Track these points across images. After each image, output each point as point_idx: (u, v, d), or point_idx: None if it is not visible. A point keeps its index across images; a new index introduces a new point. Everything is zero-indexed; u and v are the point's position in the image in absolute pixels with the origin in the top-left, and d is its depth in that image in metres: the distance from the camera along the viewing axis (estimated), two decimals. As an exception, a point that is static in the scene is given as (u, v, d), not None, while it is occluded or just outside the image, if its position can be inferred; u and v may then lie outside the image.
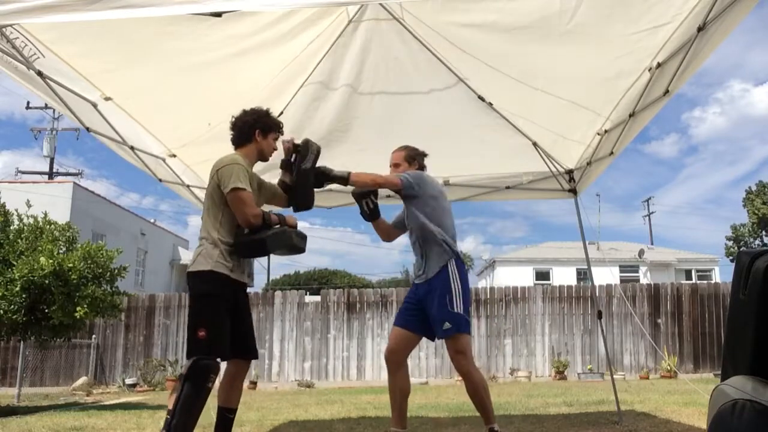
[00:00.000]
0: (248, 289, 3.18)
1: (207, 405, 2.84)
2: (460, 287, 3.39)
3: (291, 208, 3.30)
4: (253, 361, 3.27)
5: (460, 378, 12.86)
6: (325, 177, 3.32)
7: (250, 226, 2.92)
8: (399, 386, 3.50)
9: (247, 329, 3.06)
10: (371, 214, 3.60)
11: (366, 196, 3.54)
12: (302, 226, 3.31)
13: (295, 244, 3.06)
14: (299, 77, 4.22)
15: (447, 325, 3.32)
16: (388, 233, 3.78)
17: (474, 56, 3.90)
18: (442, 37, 3.84)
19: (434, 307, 3.36)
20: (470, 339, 3.46)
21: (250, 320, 3.12)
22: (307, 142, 3.23)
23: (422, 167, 3.66)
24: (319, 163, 3.28)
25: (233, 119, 3.13)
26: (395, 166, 3.63)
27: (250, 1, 2.33)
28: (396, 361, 3.51)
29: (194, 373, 2.73)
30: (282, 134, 3.24)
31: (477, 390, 3.37)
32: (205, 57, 3.56)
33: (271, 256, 3.41)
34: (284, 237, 3.01)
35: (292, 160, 3.26)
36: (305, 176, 3.19)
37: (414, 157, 3.64)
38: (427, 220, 3.43)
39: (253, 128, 3.09)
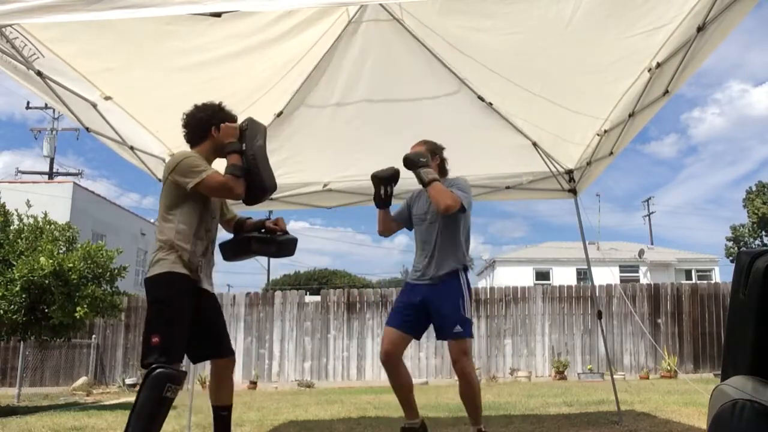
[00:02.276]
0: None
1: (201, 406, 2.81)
2: (468, 295, 3.44)
3: (251, 195, 2.96)
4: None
5: (460, 378, 12.60)
6: (413, 164, 3.33)
7: (240, 197, 2.87)
8: (401, 383, 3.53)
9: (219, 330, 2.98)
10: (386, 200, 3.57)
11: (389, 181, 3.50)
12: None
13: (292, 252, 3.12)
14: (299, 77, 4.23)
15: (458, 328, 3.34)
16: (388, 226, 3.73)
17: (473, 58, 3.90)
18: (442, 39, 3.84)
19: (447, 309, 3.38)
20: (472, 343, 3.50)
21: (221, 320, 3.02)
22: (252, 120, 3.00)
23: (443, 160, 3.62)
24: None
25: (185, 116, 3.00)
26: None
27: (250, 1, 2.32)
28: (394, 362, 3.52)
29: (150, 383, 2.60)
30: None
31: (474, 392, 3.42)
32: (205, 56, 3.55)
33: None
34: (291, 246, 3.07)
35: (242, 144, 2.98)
36: (263, 153, 2.93)
37: (435, 152, 3.58)
38: (459, 231, 3.47)
39: (209, 124, 2.94)
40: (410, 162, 3.37)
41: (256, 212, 4.30)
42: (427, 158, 3.40)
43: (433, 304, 3.41)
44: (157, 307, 2.75)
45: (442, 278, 3.41)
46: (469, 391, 3.41)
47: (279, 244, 3.07)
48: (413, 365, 12.37)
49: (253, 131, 2.93)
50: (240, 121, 3.03)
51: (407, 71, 4.24)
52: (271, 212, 6.26)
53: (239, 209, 3.56)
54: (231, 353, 3.02)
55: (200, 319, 2.86)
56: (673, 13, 2.94)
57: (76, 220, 13.91)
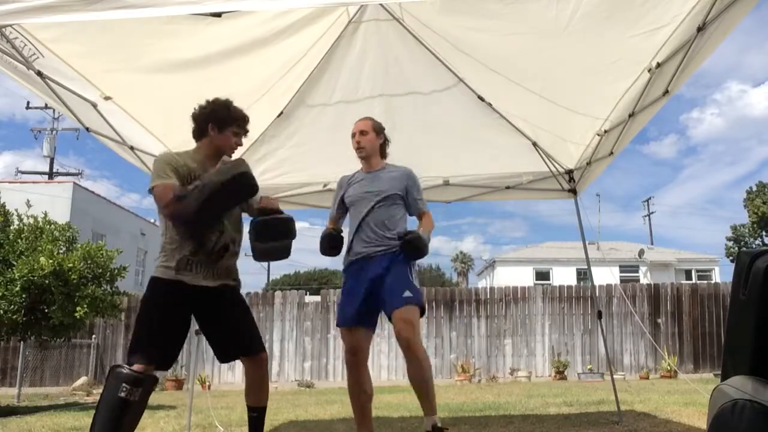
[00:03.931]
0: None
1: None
2: (414, 268, 3.28)
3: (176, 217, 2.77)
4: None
5: (460, 378, 12.62)
6: (423, 250, 3.25)
7: (172, 220, 2.72)
8: (363, 388, 3.28)
9: (243, 326, 2.91)
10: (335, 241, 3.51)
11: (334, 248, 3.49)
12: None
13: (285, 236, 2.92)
14: (300, 77, 4.23)
15: (408, 293, 3.11)
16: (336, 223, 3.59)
17: (473, 57, 3.90)
18: (442, 38, 3.84)
19: (394, 277, 3.16)
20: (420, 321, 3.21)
21: (240, 318, 2.93)
22: (234, 161, 2.81)
23: (386, 140, 3.52)
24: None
25: (193, 111, 2.95)
26: (362, 133, 3.41)
27: (250, 1, 2.32)
28: (360, 361, 3.28)
29: (107, 381, 2.59)
30: (245, 129, 2.98)
31: (424, 373, 3.08)
32: (205, 55, 3.55)
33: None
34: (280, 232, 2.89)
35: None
36: (207, 189, 2.67)
37: (381, 130, 3.49)
38: (404, 220, 3.40)
39: (206, 122, 2.88)
40: (422, 252, 3.26)
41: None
42: (423, 236, 3.26)
43: (380, 274, 3.19)
44: (140, 308, 2.75)
45: (388, 250, 3.24)
46: (419, 371, 3.08)
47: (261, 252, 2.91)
48: (413, 365, 12.38)
49: (224, 168, 2.72)
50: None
51: (407, 71, 4.24)
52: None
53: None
54: (260, 350, 2.91)
55: (218, 318, 2.83)
56: (673, 13, 2.94)
57: (76, 220, 13.91)
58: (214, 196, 2.66)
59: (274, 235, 2.89)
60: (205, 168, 2.82)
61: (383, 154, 3.51)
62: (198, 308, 2.82)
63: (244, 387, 2.97)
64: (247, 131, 3.00)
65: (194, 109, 2.93)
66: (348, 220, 3.52)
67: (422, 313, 3.19)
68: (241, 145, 3.01)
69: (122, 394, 2.51)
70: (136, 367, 2.58)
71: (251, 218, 2.93)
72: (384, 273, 3.20)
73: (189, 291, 2.74)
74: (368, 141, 3.42)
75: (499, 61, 3.84)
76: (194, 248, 2.76)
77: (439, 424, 3.11)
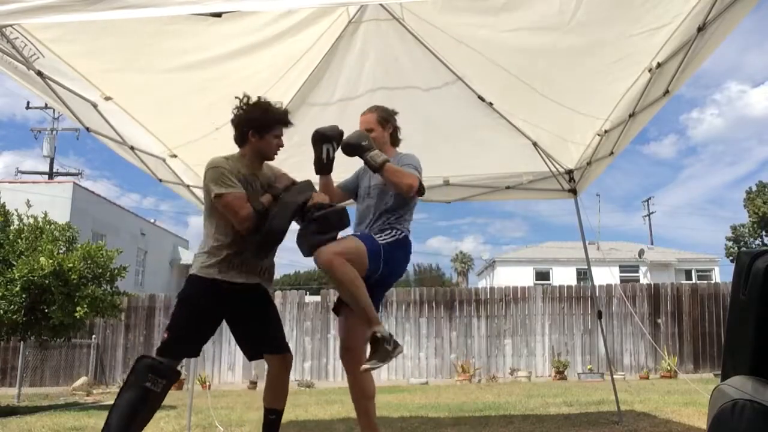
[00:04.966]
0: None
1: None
2: (393, 251, 2.95)
3: (257, 239, 2.83)
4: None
5: (460, 378, 12.60)
6: (356, 150, 2.92)
7: (244, 231, 2.76)
8: (361, 386, 3.02)
9: (269, 326, 2.96)
10: (327, 165, 3.08)
11: (331, 141, 3.03)
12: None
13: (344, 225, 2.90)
14: (300, 77, 4.23)
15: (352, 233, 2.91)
16: (332, 195, 3.18)
17: (474, 56, 3.90)
18: (442, 37, 3.84)
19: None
20: (360, 247, 2.85)
21: (269, 317, 2.97)
22: (308, 183, 2.94)
23: (396, 128, 3.26)
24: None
25: (233, 114, 2.95)
26: (367, 131, 3.13)
27: (250, 1, 2.32)
28: (355, 358, 2.97)
29: (133, 371, 2.67)
30: (286, 126, 2.96)
31: (342, 281, 2.70)
32: (205, 56, 3.55)
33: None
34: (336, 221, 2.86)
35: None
36: (289, 208, 2.80)
37: (387, 119, 3.21)
38: (399, 205, 3.06)
39: (246, 129, 2.90)
40: (352, 148, 2.94)
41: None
42: (369, 140, 2.96)
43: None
44: (177, 304, 2.84)
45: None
46: (340, 287, 2.78)
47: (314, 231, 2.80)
48: (413, 365, 12.39)
49: (301, 188, 2.92)
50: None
51: (408, 71, 4.24)
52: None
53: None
54: (284, 350, 2.96)
55: (247, 317, 2.89)
56: (673, 13, 2.94)
57: (76, 220, 13.91)
58: (293, 216, 2.81)
59: (335, 226, 2.87)
60: (254, 172, 2.91)
61: (394, 142, 3.26)
62: (232, 306, 2.87)
63: (264, 388, 3.00)
64: (288, 125, 2.99)
65: (232, 112, 2.94)
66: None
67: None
68: (282, 146, 3.01)
69: (148, 384, 2.61)
70: (165, 360, 2.69)
71: (308, 212, 2.84)
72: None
73: (226, 289, 2.79)
74: (374, 138, 3.13)
75: (500, 60, 3.84)
76: (239, 249, 2.81)
77: (380, 333, 2.72)
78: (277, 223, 2.77)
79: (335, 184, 3.29)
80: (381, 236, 2.98)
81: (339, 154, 3.07)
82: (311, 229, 2.80)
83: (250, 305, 2.90)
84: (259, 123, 2.89)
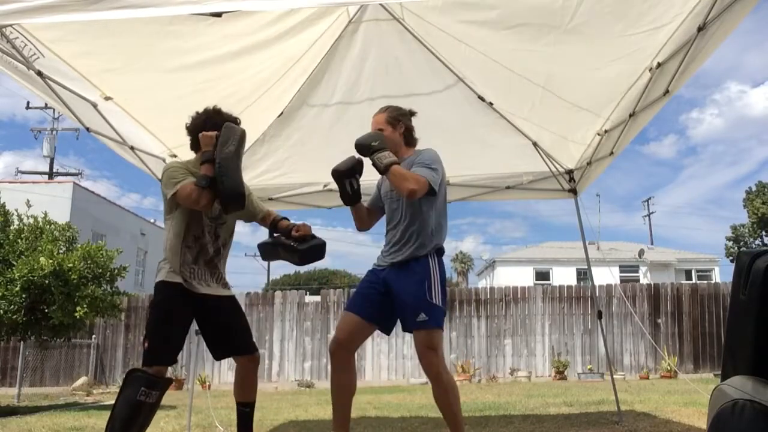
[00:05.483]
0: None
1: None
2: (439, 278, 2.94)
3: (223, 204, 2.88)
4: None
5: (460, 378, 12.59)
6: (365, 150, 2.94)
7: (205, 208, 2.85)
8: (345, 384, 3.02)
9: (236, 329, 3.03)
10: (353, 196, 3.13)
11: (350, 175, 3.08)
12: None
13: (319, 257, 3.13)
14: (300, 77, 4.23)
15: (422, 316, 2.83)
16: (364, 220, 3.27)
17: (474, 55, 3.90)
18: (443, 34, 3.83)
19: (408, 294, 2.89)
20: (443, 336, 2.97)
21: (238, 320, 3.05)
22: (227, 126, 2.88)
23: (409, 129, 3.18)
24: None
25: (186, 124, 3.02)
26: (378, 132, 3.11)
27: (250, 2, 2.32)
28: (345, 355, 3.04)
29: (125, 384, 2.74)
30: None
31: (449, 397, 2.90)
32: (205, 56, 3.55)
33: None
34: (316, 253, 3.08)
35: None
36: (229, 161, 2.79)
37: (398, 119, 3.14)
38: (428, 211, 3.00)
39: (198, 132, 2.94)
40: (362, 148, 2.97)
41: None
42: (380, 140, 2.96)
43: (396, 290, 2.94)
44: (150, 312, 2.91)
45: (407, 261, 2.95)
46: (443, 396, 2.90)
47: (302, 253, 3.05)
48: (413, 365, 12.38)
49: (224, 138, 2.83)
50: (241, 123, 3.04)
51: (408, 71, 4.23)
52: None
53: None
54: (252, 351, 3.05)
55: (213, 322, 2.98)
56: (674, 13, 2.94)
57: (76, 220, 13.91)
58: (237, 164, 2.85)
59: (316, 258, 3.13)
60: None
61: (410, 142, 3.19)
62: (197, 311, 2.96)
63: (235, 385, 3.08)
64: (237, 124, 3.04)
65: (186, 123, 3.02)
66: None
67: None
68: None
69: (141, 398, 2.66)
70: (153, 370, 2.74)
71: (296, 245, 3.04)
72: (397, 283, 2.97)
73: (191, 294, 2.89)
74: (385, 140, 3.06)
75: (502, 57, 3.82)
76: (194, 256, 2.93)
77: None
78: (227, 183, 2.77)
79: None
80: (428, 282, 2.91)
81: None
82: (293, 259, 3.07)
83: (213, 313, 2.97)
84: (213, 124, 2.93)
